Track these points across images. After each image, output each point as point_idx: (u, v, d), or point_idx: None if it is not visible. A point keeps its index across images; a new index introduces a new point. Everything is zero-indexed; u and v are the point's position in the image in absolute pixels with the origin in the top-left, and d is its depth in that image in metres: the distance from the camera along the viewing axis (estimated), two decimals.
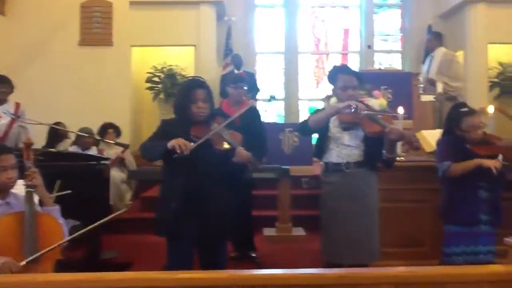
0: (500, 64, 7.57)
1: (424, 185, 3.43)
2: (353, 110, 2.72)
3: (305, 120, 2.96)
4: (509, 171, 2.86)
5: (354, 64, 8.59)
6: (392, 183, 3.50)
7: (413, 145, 3.01)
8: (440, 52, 5.81)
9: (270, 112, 8.65)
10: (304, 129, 2.97)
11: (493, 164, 2.66)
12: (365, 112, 2.77)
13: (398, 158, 3.61)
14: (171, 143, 2.36)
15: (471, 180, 2.80)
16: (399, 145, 3.57)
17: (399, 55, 8.92)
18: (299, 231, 4.83)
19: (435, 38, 6.03)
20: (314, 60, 8.99)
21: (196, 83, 2.68)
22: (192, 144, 2.40)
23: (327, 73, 3.03)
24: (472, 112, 2.90)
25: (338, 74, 2.92)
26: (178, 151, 2.34)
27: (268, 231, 4.86)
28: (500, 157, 2.70)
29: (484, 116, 3.73)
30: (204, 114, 2.59)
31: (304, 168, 4.62)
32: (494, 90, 7.47)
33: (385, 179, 3.44)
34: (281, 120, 8.51)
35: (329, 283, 1.31)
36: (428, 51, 6.32)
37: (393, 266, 3.07)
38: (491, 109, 3.63)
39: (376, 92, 4.33)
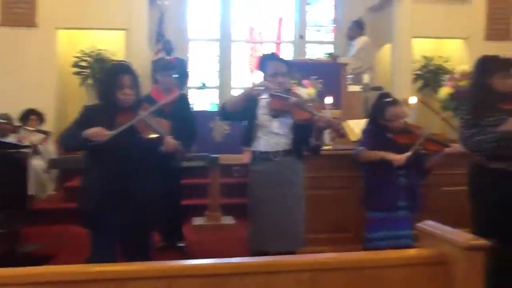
0: (424, 57, 7.94)
1: (350, 173, 3.53)
2: (263, 89, 2.74)
3: (222, 105, 2.98)
4: (426, 159, 3.00)
5: (288, 54, 8.69)
6: (319, 170, 3.59)
7: (340, 133, 3.08)
8: (360, 41, 5.98)
9: (203, 100, 8.56)
10: (223, 113, 2.99)
11: (397, 158, 2.78)
12: (295, 99, 2.80)
13: (325, 147, 3.71)
14: (86, 132, 2.29)
15: (391, 168, 2.91)
16: (326, 133, 3.66)
17: (332, 46, 9.10)
18: (229, 220, 4.83)
19: (356, 27, 6.20)
20: (248, 49, 8.98)
21: (122, 68, 2.59)
22: (109, 132, 2.33)
23: (257, 61, 3.03)
24: (395, 102, 3.01)
25: (267, 61, 2.92)
26: (94, 140, 2.27)
27: (197, 220, 4.82)
28: (409, 153, 2.81)
29: (407, 106, 3.89)
30: (130, 101, 2.51)
31: (235, 157, 4.62)
32: (418, 82, 7.82)
33: (313, 167, 3.52)
34: (214, 109, 8.45)
35: (247, 272, 1.30)
36: (350, 40, 6.49)
37: (319, 252, 3.19)
38: (413, 100, 3.78)
39: (305, 82, 4.39)
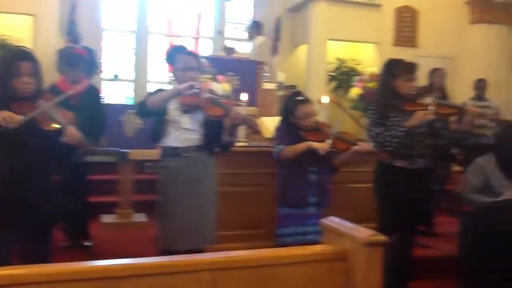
0: (338, 59, 8.23)
1: (264, 169, 3.54)
2: (195, 91, 2.66)
3: (142, 101, 2.82)
4: (335, 157, 3.08)
5: (206, 49, 8.62)
6: (234, 167, 3.57)
7: (254, 129, 3.08)
8: (257, 41, 6.05)
9: (117, 93, 8.23)
10: (142, 110, 2.82)
11: (320, 146, 2.84)
12: (208, 95, 2.75)
13: (240, 144, 3.70)
14: None
15: (303, 164, 2.96)
16: (241, 130, 3.66)
17: (251, 43, 9.14)
18: (141, 217, 4.68)
19: (254, 27, 6.28)
20: (166, 42, 8.77)
21: (21, 55, 2.38)
22: (20, 117, 2.14)
23: (166, 52, 2.93)
24: (305, 101, 3.06)
25: (176, 54, 2.84)
26: (2, 124, 2.07)
27: (107, 218, 4.62)
28: (329, 141, 2.88)
29: (319, 105, 3.99)
30: (29, 90, 2.32)
31: (147, 152, 4.46)
32: (332, 83, 8.09)
33: (227, 164, 3.49)
34: (129, 102, 8.16)
35: (143, 273, 1.23)
36: (249, 39, 6.54)
37: (231, 249, 3.17)
38: (325, 99, 3.88)
39: (219, 77, 4.35)
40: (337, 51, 8.40)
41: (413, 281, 3.33)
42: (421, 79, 5.48)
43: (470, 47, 8.54)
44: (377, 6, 8.17)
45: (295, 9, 8.67)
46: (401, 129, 2.95)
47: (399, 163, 3.08)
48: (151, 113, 2.83)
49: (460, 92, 6.64)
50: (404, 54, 7.91)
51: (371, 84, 4.44)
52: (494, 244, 1.62)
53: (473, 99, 5.88)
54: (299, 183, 2.98)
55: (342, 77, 7.97)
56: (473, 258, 1.70)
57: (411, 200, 3.11)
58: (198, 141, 2.81)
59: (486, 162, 3.50)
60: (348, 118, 6.39)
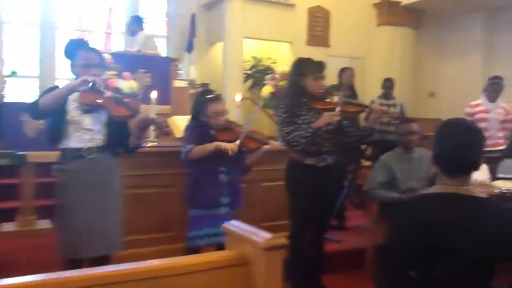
0: (254, 58, 8.28)
1: (174, 170, 3.43)
2: (90, 86, 2.47)
3: (35, 101, 2.57)
4: (247, 156, 3.06)
5: (118, 45, 8.29)
6: (142, 168, 3.43)
7: (164, 131, 2.97)
8: (142, 35, 5.88)
9: (20, 91, 7.66)
10: (35, 111, 2.54)
11: (229, 146, 2.79)
12: (111, 94, 2.59)
13: (150, 144, 3.56)
14: None
15: (212, 164, 2.90)
16: (151, 130, 3.52)
17: (165, 40, 8.94)
18: (45, 224, 4.36)
19: (135, 22, 6.06)
20: (75, 37, 8.30)
21: None
22: None
23: (64, 47, 2.71)
24: (216, 99, 3.00)
25: (76, 49, 2.65)
26: None
27: (7, 226, 4.26)
28: (238, 141, 2.85)
29: (234, 104, 3.94)
30: None
31: (51, 154, 4.17)
32: (248, 82, 8.13)
33: (135, 165, 3.35)
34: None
35: None
36: (131, 35, 6.34)
37: (140, 254, 3.03)
38: (238, 97, 3.85)
39: (126, 74, 4.16)
40: (254, 49, 8.46)
41: (325, 274, 3.41)
42: (333, 78, 5.66)
43: (378, 47, 8.98)
44: (291, 6, 8.32)
45: (210, 6, 8.59)
46: (309, 130, 2.99)
47: (308, 161, 3.13)
48: (45, 114, 2.57)
49: (370, 91, 6.94)
50: (317, 53, 8.14)
51: (282, 83, 4.49)
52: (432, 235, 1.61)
53: (380, 97, 6.15)
54: (209, 184, 2.91)
55: (258, 75, 8.04)
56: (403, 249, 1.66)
57: (321, 197, 3.18)
58: (101, 141, 2.65)
59: (390, 158, 3.66)
60: (264, 117, 6.45)
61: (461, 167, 1.70)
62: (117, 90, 2.76)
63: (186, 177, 3.06)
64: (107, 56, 4.33)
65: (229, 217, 3.03)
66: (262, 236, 1.32)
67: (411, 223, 1.65)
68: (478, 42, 9.21)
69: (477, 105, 5.03)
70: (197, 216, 2.96)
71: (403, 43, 8.99)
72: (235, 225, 1.45)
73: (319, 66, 3.21)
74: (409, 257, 1.62)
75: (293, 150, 3.12)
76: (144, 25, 6.04)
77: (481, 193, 1.79)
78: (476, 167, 1.73)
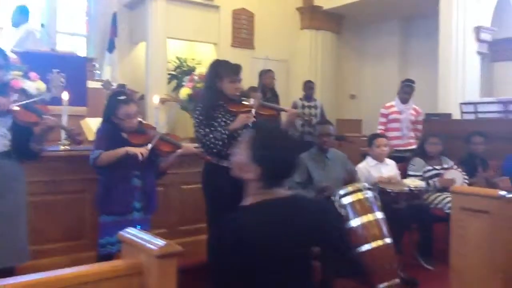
0: (178, 58, 8.16)
1: (86, 175, 3.27)
2: None
3: None
4: (161, 160, 2.98)
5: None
6: (51, 174, 3.24)
7: (76, 140, 2.82)
8: (23, 28, 5.56)
9: None
10: None
11: (139, 151, 2.70)
12: (17, 98, 2.44)
13: (62, 147, 3.38)
14: None
15: (124, 169, 2.79)
16: (63, 134, 3.33)
17: (84, 39, 8.58)
18: None
19: (20, 13, 5.71)
20: None
21: None
22: None
23: None
24: (127, 100, 2.90)
25: None
26: None
27: None
28: (149, 145, 2.76)
29: (157, 105, 3.85)
30: None
31: None
32: (172, 83, 8.00)
33: (42, 170, 3.16)
34: None
35: None
36: (14, 26, 5.98)
37: (49, 265, 2.86)
38: (156, 99, 3.75)
39: (32, 74, 3.93)
40: (178, 50, 8.34)
41: None
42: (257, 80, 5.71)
43: (301, 50, 9.19)
44: (215, 7, 8.30)
45: (133, 5, 8.36)
46: (225, 132, 2.98)
47: (225, 163, 3.10)
48: None
49: (294, 92, 7.07)
50: (242, 55, 8.20)
51: (200, 85, 4.44)
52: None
53: (302, 99, 6.28)
54: (121, 189, 2.81)
55: (182, 76, 7.92)
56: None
57: (239, 199, 3.16)
58: (5, 146, 2.47)
59: (306, 158, 3.73)
60: (188, 118, 6.36)
61: (284, 176, 1.77)
62: (23, 91, 2.58)
63: (97, 182, 2.92)
64: (12, 56, 4.06)
65: (143, 222, 2.96)
66: (156, 243, 1.27)
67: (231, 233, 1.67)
68: (394, 47, 9.70)
69: (391, 106, 5.27)
70: (109, 222, 2.84)
71: (325, 47, 9.26)
72: (130, 233, 1.39)
73: (236, 69, 3.20)
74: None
75: (210, 153, 3.08)
76: (29, 18, 5.57)
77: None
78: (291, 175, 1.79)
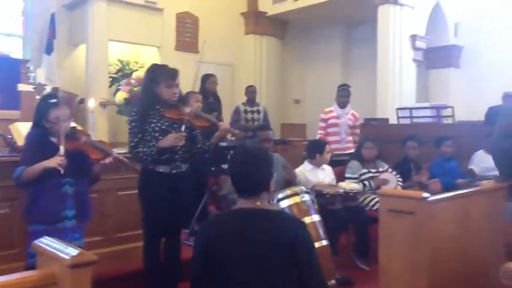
0: (120, 61, 7.99)
1: (12, 182, 3.12)
2: None
3: None
4: (93, 166, 2.89)
5: None
6: None
7: (15, 147, 2.69)
8: None
9: None
10: None
11: (56, 162, 2.59)
12: None
13: None
14: None
15: (55, 176, 2.69)
16: None
17: (20, 40, 8.23)
18: None
19: None
20: None
21: None
22: None
23: None
24: (58, 104, 2.80)
25: None
26: None
27: None
28: (61, 151, 2.63)
29: (91, 109, 3.74)
30: None
31: None
32: (114, 86, 7.80)
33: None
34: None
35: None
36: None
37: None
38: (91, 102, 3.65)
39: None
40: (120, 52, 8.17)
41: (181, 282, 3.35)
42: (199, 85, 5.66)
43: (246, 55, 9.25)
44: (159, 10, 8.20)
45: (72, 6, 8.12)
46: (153, 149, 2.96)
47: (161, 169, 3.07)
48: None
49: (239, 97, 7.07)
50: (186, 59, 8.14)
51: (137, 88, 4.37)
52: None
53: (245, 104, 6.29)
54: (51, 196, 2.69)
55: (125, 79, 7.75)
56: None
57: (175, 204, 3.13)
58: None
59: None
60: (125, 123, 6.20)
61: (247, 190, 1.92)
62: None
63: (25, 190, 2.80)
64: None
65: (76, 231, 2.86)
66: (69, 253, 1.23)
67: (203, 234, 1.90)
68: (336, 53, 9.95)
69: (330, 111, 5.40)
70: (38, 231, 2.71)
71: (270, 52, 9.36)
72: (45, 242, 1.34)
73: (173, 73, 3.16)
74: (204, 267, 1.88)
75: (138, 162, 3.03)
76: None
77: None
78: (263, 188, 1.93)
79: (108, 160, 2.78)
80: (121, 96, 4.57)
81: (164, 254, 3.23)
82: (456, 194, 2.76)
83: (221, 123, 3.19)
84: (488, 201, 2.86)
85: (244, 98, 6.56)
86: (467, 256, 2.66)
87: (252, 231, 1.83)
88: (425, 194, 2.35)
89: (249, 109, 6.22)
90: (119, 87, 4.99)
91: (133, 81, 4.56)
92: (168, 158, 3.06)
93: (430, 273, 2.33)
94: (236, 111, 6.15)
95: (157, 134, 3.02)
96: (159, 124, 3.03)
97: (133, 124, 3.01)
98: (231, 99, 8.18)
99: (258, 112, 6.27)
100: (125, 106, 4.50)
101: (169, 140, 2.97)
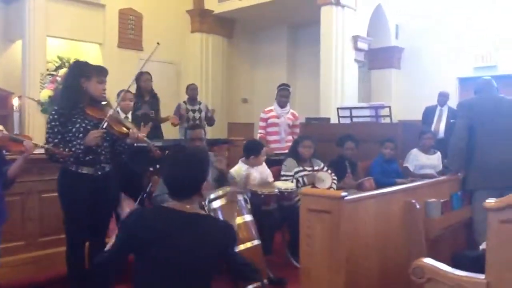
0: (59, 58, 7.71)
1: None
2: None
3: None
4: (8, 167, 2.76)
5: None
6: None
7: None
8: None
9: None
10: None
11: None
12: None
13: None
14: None
15: None
16: None
17: None
18: None
19: None
20: None
21: None
22: None
23: None
24: None
25: None
26: None
27: None
28: None
29: (15, 108, 3.57)
30: None
31: None
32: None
33: None
34: None
35: None
36: None
37: None
38: (15, 101, 3.49)
39: None
40: (60, 49, 7.89)
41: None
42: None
43: (192, 53, 9.15)
44: (100, 6, 7.98)
45: (9, 0, 7.75)
46: (79, 147, 2.87)
47: (85, 170, 2.96)
48: None
49: (184, 96, 6.94)
50: (129, 56, 7.98)
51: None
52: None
53: (186, 102, 6.23)
54: None
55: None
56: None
57: (100, 206, 3.04)
58: None
59: None
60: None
61: (179, 192, 1.90)
62: None
63: None
64: None
65: None
66: None
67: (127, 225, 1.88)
68: (283, 53, 10.03)
69: (270, 110, 5.41)
70: None
71: (216, 51, 9.31)
72: None
73: (104, 70, 3.11)
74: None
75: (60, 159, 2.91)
76: None
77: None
78: (194, 191, 1.91)
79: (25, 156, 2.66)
80: (45, 94, 4.40)
81: (89, 259, 3.12)
82: (376, 193, 2.81)
83: (133, 130, 3.08)
84: (408, 199, 2.93)
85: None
86: (387, 254, 2.71)
87: (178, 235, 1.81)
88: (343, 194, 2.38)
89: (190, 107, 6.16)
90: (45, 85, 4.80)
91: (59, 79, 4.39)
92: (93, 160, 2.96)
93: (348, 272, 2.36)
94: (178, 109, 6.08)
95: (81, 135, 2.92)
96: (83, 125, 2.93)
97: (53, 123, 2.89)
98: (176, 97, 8.08)
99: (200, 110, 6.22)
100: (49, 104, 4.31)
101: (91, 137, 2.89)
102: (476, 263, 2.12)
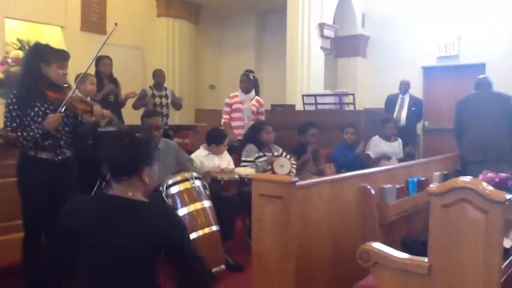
0: (19, 40, 7.46)
1: None
2: None
3: None
4: None
5: None
6: None
7: None
8: None
9: None
10: None
11: None
12: None
13: None
14: None
15: None
16: None
17: None
18: None
19: None
20: None
21: None
22: None
23: None
24: None
25: None
26: None
27: None
28: None
29: None
30: None
31: None
32: None
33: None
34: None
35: None
36: None
37: None
38: None
39: None
40: (19, 31, 7.62)
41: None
42: (115, 68, 5.44)
43: (158, 38, 9.00)
44: None
45: None
46: (38, 132, 2.82)
47: (44, 155, 2.91)
48: None
49: (150, 80, 6.83)
50: (93, 40, 7.76)
51: (15, 68, 4.10)
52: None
53: (152, 87, 6.15)
54: None
55: None
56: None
57: (61, 193, 2.98)
58: None
59: None
60: None
61: (115, 173, 1.84)
62: None
63: None
64: None
65: None
66: None
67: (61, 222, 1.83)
68: (250, 40, 9.99)
69: (235, 96, 5.40)
70: None
71: (183, 36, 9.18)
72: None
73: (65, 54, 3.06)
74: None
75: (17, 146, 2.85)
76: None
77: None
78: (130, 172, 1.84)
79: None
80: None
81: (47, 248, 3.06)
82: (330, 179, 2.84)
83: (96, 107, 3.06)
84: (364, 184, 2.97)
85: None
86: (340, 239, 2.75)
87: (119, 222, 1.76)
88: (294, 179, 2.39)
89: (157, 93, 6.09)
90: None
91: (10, 60, 4.25)
92: (52, 144, 2.91)
93: (299, 257, 2.38)
94: (143, 94, 6.00)
95: (39, 119, 2.86)
96: (42, 108, 2.88)
97: (11, 107, 2.83)
98: (141, 83, 7.93)
99: (166, 96, 6.16)
100: (0, 88, 4.18)
101: (50, 120, 2.83)
102: (426, 247, 2.17)
